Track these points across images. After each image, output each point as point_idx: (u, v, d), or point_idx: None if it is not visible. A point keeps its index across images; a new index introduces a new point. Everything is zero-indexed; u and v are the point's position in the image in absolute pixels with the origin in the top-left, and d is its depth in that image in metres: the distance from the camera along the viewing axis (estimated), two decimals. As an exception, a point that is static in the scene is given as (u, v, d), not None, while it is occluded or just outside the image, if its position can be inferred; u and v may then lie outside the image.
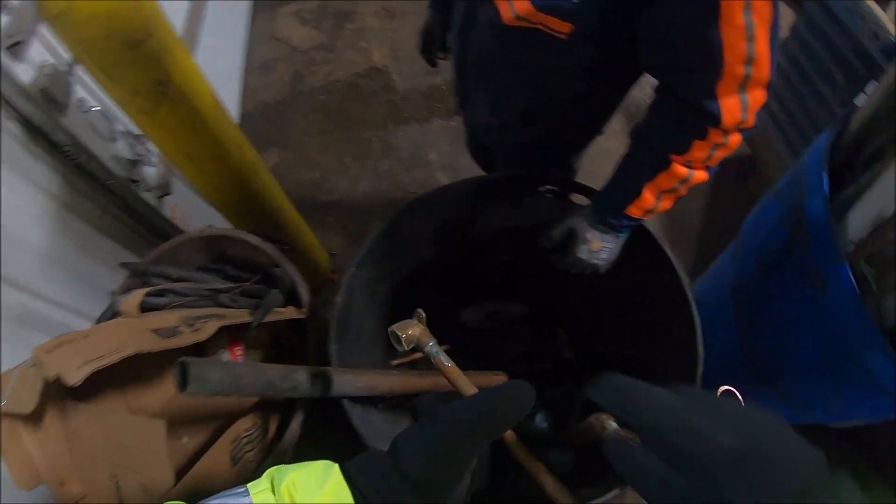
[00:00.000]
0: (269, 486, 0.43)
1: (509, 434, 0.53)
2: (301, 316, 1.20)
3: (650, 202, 1.00)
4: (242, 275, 1.29)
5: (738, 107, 0.84)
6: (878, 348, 0.98)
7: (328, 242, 2.27)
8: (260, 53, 2.85)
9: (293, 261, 1.27)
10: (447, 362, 0.76)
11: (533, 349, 1.58)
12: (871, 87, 1.58)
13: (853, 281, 0.98)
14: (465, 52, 1.15)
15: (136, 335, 0.89)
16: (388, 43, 2.83)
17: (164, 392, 0.99)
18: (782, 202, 1.21)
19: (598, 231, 1.08)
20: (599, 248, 1.10)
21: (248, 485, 0.44)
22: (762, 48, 0.79)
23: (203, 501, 0.42)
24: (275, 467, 0.45)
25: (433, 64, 1.44)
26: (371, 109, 2.63)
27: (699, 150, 0.91)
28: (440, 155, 2.47)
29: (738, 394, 0.65)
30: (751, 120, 0.87)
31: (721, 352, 1.29)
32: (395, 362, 1.38)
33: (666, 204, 1.01)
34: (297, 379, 0.90)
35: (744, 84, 0.82)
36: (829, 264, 1.02)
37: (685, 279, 1.10)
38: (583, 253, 1.10)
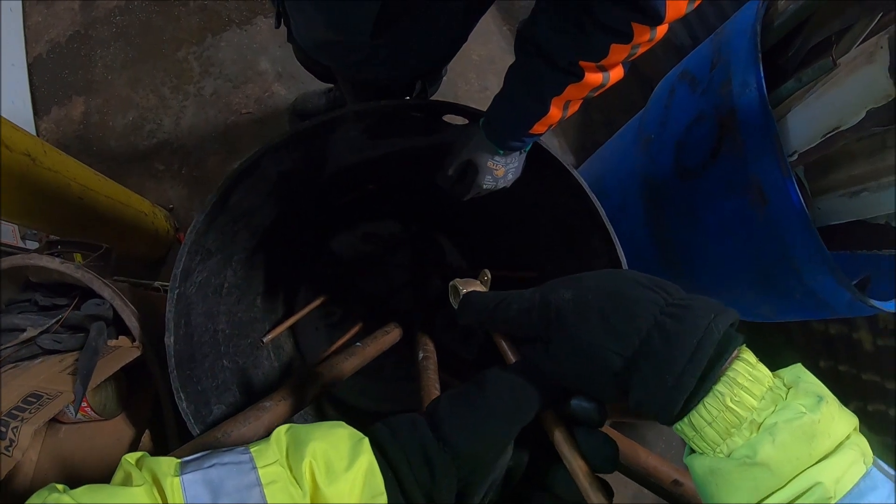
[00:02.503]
0: (280, 456, 0.38)
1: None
2: (136, 353, 0.95)
3: (558, 116, 0.81)
4: (57, 301, 1.05)
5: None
6: (821, 266, 0.88)
7: (163, 196, 1.94)
8: None
9: (121, 256, 1.04)
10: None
11: (418, 272, 1.40)
12: None
13: (801, 198, 0.84)
14: None
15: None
16: None
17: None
18: (701, 95, 1.03)
19: (499, 157, 0.90)
20: (504, 172, 0.93)
21: (252, 448, 0.38)
22: None
23: (196, 458, 0.37)
24: (286, 427, 0.40)
25: None
26: (181, 22, 2.18)
27: (618, 54, 0.70)
28: (273, 62, 2.12)
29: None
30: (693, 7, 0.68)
31: (630, 248, 1.13)
32: (267, 338, 1.17)
33: (574, 108, 0.82)
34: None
35: None
36: (771, 178, 0.88)
37: (595, 201, 0.92)
38: (488, 183, 0.93)
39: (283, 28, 1.10)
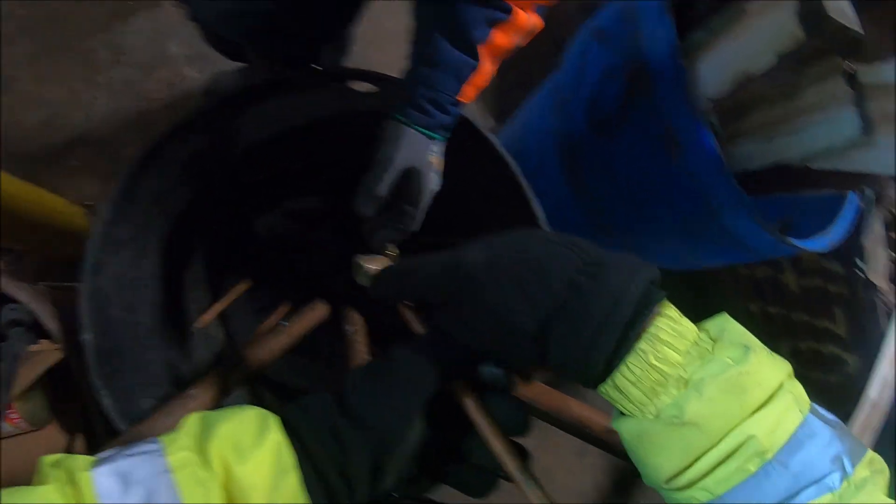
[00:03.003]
0: (190, 441, 0.36)
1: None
2: (58, 356, 0.93)
3: (488, 70, 0.74)
4: None
5: None
6: (739, 209, 0.89)
7: (80, 192, 1.83)
8: None
9: (37, 258, 1.01)
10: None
11: (344, 247, 1.33)
12: None
13: (714, 144, 0.86)
14: None
15: None
16: None
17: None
18: (611, 49, 1.03)
19: (438, 144, 0.78)
20: (440, 163, 0.81)
21: (162, 437, 0.37)
22: None
23: (110, 453, 0.36)
24: (198, 414, 0.39)
25: None
26: (88, 11, 2.07)
27: None
28: (182, 45, 2.04)
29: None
30: None
31: (554, 209, 1.12)
32: (197, 325, 1.14)
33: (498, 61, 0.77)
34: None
35: None
36: (684, 126, 0.88)
37: (509, 159, 0.92)
38: (435, 184, 0.81)
39: (180, 7, 1.05)
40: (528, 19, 0.71)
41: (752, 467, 0.33)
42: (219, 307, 1.13)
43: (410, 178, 0.76)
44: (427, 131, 0.74)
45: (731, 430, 0.34)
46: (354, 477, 0.39)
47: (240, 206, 1.20)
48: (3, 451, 0.96)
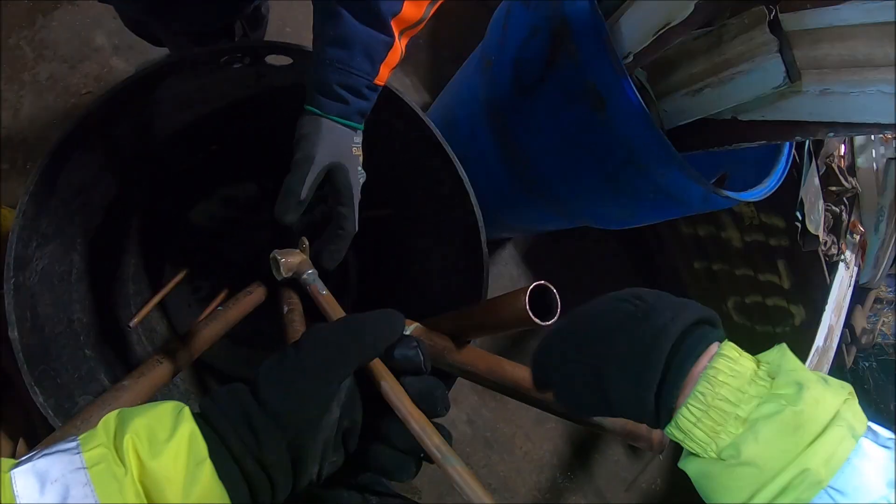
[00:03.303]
0: (106, 439, 0.36)
1: (376, 363, 0.47)
2: None
3: (400, 48, 0.70)
4: None
5: None
6: (670, 164, 0.90)
7: (10, 195, 1.76)
8: None
9: None
10: (322, 290, 0.67)
11: (280, 231, 1.35)
12: None
13: (638, 97, 0.86)
14: None
15: None
16: None
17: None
18: (533, 10, 1.02)
19: (359, 134, 0.72)
20: (360, 152, 0.75)
21: (80, 436, 0.37)
22: None
23: (29, 454, 0.36)
24: (115, 412, 0.39)
25: None
26: (8, 6, 1.99)
27: None
28: (109, 35, 1.99)
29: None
30: None
31: (484, 172, 1.15)
32: (134, 322, 1.09)
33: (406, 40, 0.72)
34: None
35: None
36: (607, 81, 0.88)
37: (424, 116, 0.90)
38: (362, 176, 0.75)
39: None
40: None
41: (809, 497, 0.35)
42: (154, 301, 1.09)
43: (336, 175, 0.70)
44: (345, 121, 0.69)
45: (788, 465, 0.35)
46: (272, 467, 0.39)
47: (173, 195, 1.17)
48: None
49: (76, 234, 0.94)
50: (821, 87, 0.84)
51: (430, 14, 0.70)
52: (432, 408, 0.46)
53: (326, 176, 0.69)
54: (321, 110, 0.67)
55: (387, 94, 0.85)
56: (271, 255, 0.74)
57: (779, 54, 0.84)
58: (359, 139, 0.71)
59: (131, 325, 1.08)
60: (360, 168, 0.73)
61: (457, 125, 1.26)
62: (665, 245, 1.91)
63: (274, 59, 0.88)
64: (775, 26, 0.84)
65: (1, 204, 1.61)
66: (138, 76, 0.82)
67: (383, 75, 0.69)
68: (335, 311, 0.63)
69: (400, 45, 0.69)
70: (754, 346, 0.43)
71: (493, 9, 1.22)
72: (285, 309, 0.82)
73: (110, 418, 0.38)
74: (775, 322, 1.73)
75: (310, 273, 0.72)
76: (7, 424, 1.01)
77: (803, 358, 1.53)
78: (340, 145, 0.69)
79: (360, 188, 0.73)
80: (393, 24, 0.65)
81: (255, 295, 0.95)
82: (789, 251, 1.55)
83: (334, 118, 0.67)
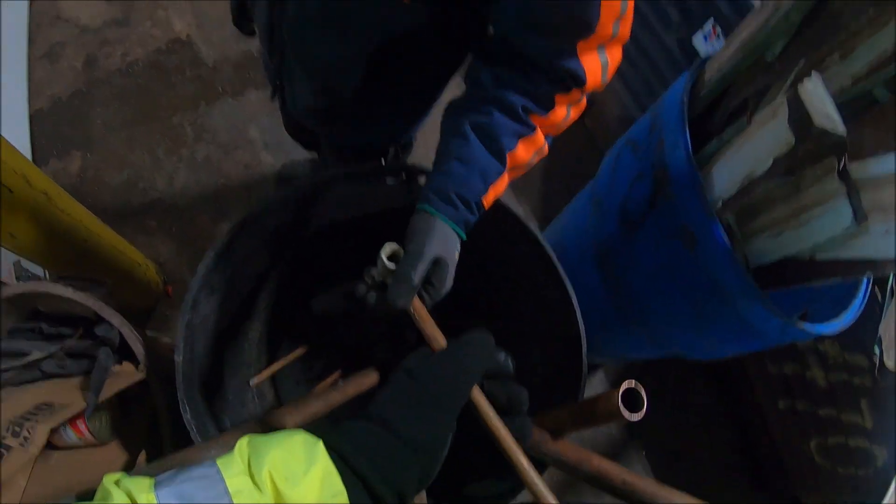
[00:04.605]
0: (244, 466, 0.39)
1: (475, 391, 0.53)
2: (140, 377, 1.02)
3: (506, 182, 0.82)
4: (62, 330, 1.11)
5: (599, 67, 0.75)
6: (751, 297, 0.99)
7: (154, 251, 2.02)
8: (45, 39, 2.36)
9: (116, 299, 1.09)
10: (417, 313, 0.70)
11: (394, 325, 1.41)
12: (708, 26, 1.60)
13: (726, 239, 0.97)
14: (277, 22, 0.96)
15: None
16: (189, 9, 2.44)
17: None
18: (640, 157, 1.18)
19: (460, 243, 0.81)
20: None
21: (218, 461, 0.39)
22: (631, 3, 0.70)
23: (169, 476, 0.38)
24: (246, 438, 0.42)
25: (251, 32, 1.24)
26: (178, 89, 2.30)
27: (561, 106, 0.78)
28: (262, 131, 2.24)
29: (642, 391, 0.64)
30: (608, 81, 0.78)
31: (587, 298, 1.24)
32: (254, 382, 1.21)
33: (512, 176, 0.83)
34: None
35: (607, 42, 0.73)
36: (699, 224, 1.01)
37: (546, 244, 1.00)
38: (451, 284, 0.80)
39: (274, 100, 1.21)
40: (544, 140, 0.81)
41: None
42: (276, 367, 1.21)
43: (438, 268, 0.76)
44: (453, 224, 0.77)
45: None
46: (407, 493, 0.44)
47: (303, 279, 1.30)
48: (65, 460, 1.04)
49: (232, 294, 1.08)
50: (885, 227, 0.89)
51: (534, 162, 0.83)
52: (520, 408, 0.55)
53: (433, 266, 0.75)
54: (436, 210, 0.76)
55: (514, 220, 0.99)
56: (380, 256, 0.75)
57: (847, 199, 0.91)
58: (458, 248, 0.79)
59: (251, 383, 1.20)
60: (453, 273, 0.78)
61: (565, 252, 1.41)
62: (751, 382, 1.91)
63: (423, 180, 1.01)
64: (844, 175, 0.91)
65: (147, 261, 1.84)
66: (315, 182, 0.99)
67: (490, 198, 0.80)
68: (435, 332, 0.67)
69: (506, 178, 0.80)
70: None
71: (600, 148, 1.39)
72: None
73: (243, 446, 0.41)
74: (857, 464, 1.68)
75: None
76: (128, 440, 1.11)
77: (880, 499, 1.49)
78: (447, 244, 0.76)
79: (446, 291, 0.78)
80: (507, 157, 0.78)
81: (370, 378, 1.02)
82: (872, 390, 1.55)
83: (445, 219, 0.76)
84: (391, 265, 0.74)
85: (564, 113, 0.79)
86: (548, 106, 0.77)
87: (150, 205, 2.10)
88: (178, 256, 2.03)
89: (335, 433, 0.45)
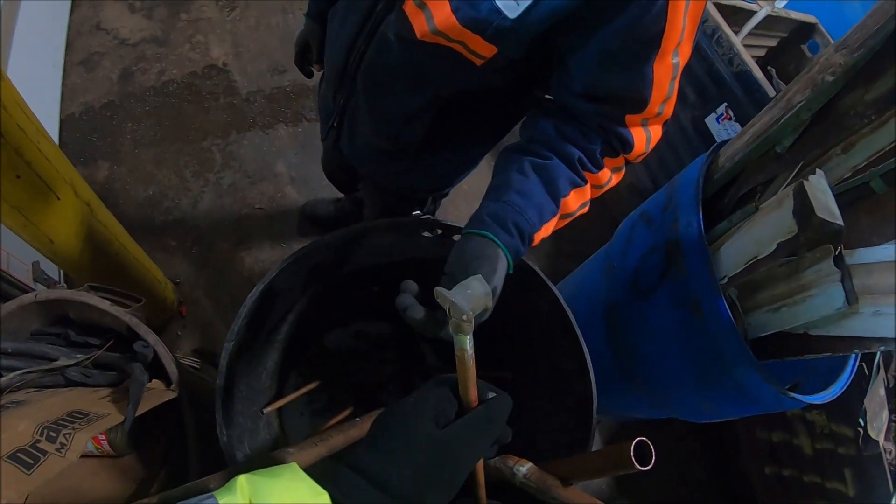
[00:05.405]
0: (243, 500, 0.40)
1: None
2: (172, 395, 1.05)
3: (553, 227, 0.85)
4: (90, 340, 1.12)
5: (644, 139, 0.82)
6: (748, 366, 1.08)
7: (171, 269, 2.05)
8: (83, 46, 2.41)
9: (147, 317, 1.12)
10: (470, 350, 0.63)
11: (405, 368, 1.49)
12: (722, 108, 1.73)
13: (728, 312, 1.07)
14: (353, 68, 1.00)
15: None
16: (229, 38, 2.52)
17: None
18: (655, 231, 1.29)
19: (508, 271, 0.80)
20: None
21: (216, 494, 0.40)
22: (676, 88, 0.78)
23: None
24: (245, 477, 0.41)
25: (309, 75, 1.33)
26: (211, 115, 2.36)
27: (607, 168, 0.84)
28: (289, 166, 2.29)
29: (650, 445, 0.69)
30: (648, 153, 0.85)
31: (592, 355, 1.33)
32: (267, 410, 1.26)
33: (559, 224, 0.87)
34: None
35: (651, 118, 0.80)
36: (706, 297, 1.11)
37: (566, 306, 1.08)
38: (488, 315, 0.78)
39: (298, 135, 1.26)
40: (590, 196, 0.87)
41: None
42: (290, 397, 1.26)
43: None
44: (507, 252, 0.76)
45: None
46: None
47: (319, 316, 1.34)
48: (72, 472, 1.04)
49: (264, 323, 1.12)
50: (874, 308, 0.98)
51: (576, 215, 0.88)
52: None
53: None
54: (493, 235, 0.76)
55: (541, 281, 1.06)
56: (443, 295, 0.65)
57: (840, 283, 0.99)
58: (503, 278, 0.77)
59: (265, 411, 1.24)
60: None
61: (575, 314, 1.47)
62: (740, 448, 1.97)
63: (457, 237, 1.04)
64: (839, 260, 1.00)
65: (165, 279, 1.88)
66: (364, 228, 1.04)
67: (539, 236, 0.81)
68: (472, 387, 0.63)
69: (555, 223, 0.83)
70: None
71: (613, 215, 1.48)
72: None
73: (242, 482, 0.41)
74: (840, 534, 1.72)
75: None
76: (146, 454, 1.13)
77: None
78: (500, 272, 0.75)
79: (482, 318, 0.72)
80: (561, 202, 0.82)
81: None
82: (856, 459, 1.60)
83: (501, 245, 0.75)
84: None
85: (608, 176, 0.85)
86: (598, 165, 0.83)
87: (173, 224, 2.13)
88: (195, 278, 2.05)
89: (335, 488, 0.45)
